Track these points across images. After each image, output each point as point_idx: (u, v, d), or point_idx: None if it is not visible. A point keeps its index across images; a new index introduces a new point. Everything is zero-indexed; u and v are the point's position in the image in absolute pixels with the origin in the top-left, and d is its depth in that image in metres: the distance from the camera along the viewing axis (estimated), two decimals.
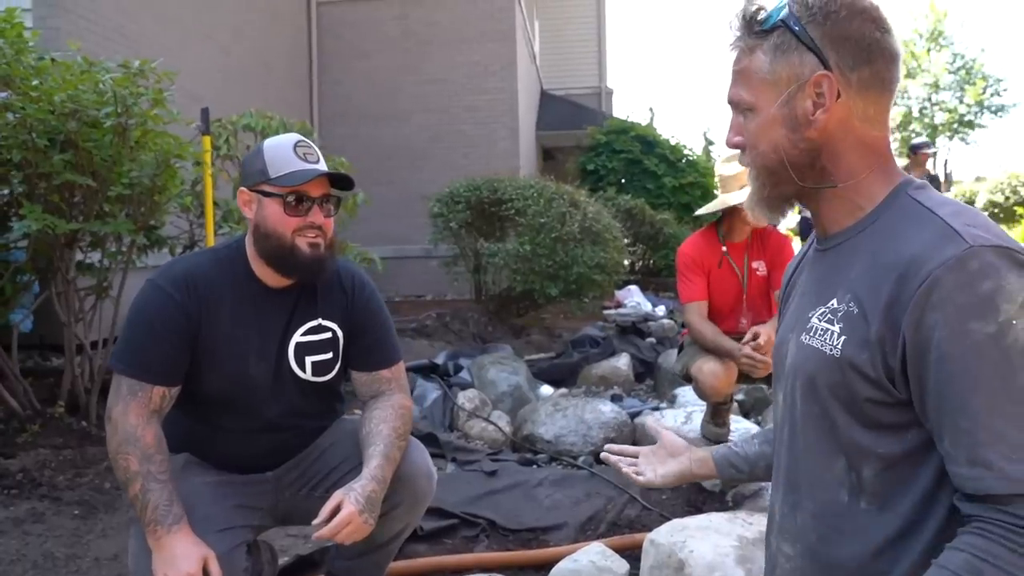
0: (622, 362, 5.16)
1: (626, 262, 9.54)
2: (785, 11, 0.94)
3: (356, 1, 9.20)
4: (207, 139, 3.04)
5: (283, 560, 2.13)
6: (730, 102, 1.01)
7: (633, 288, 7.79)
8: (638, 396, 4.75)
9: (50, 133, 2.65)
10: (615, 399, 4.32)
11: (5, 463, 2.67)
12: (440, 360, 4.79)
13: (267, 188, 1.54)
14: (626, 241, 8.81)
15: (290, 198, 1.52)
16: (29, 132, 2.55)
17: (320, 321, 1.66)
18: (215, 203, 3.36)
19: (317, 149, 1.61)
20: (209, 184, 3.07)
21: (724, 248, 2.92)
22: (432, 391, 3.97)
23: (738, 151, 1.03)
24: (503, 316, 6.13)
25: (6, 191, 2.79)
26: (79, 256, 3.54)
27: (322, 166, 1.58)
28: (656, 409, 4.00)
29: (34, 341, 4.35)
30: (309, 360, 1.64)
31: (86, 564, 2.15)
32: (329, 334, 1.67)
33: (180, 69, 6.38)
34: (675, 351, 5.25)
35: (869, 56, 0.93)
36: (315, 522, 1.43)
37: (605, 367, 5.04)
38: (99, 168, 2.81)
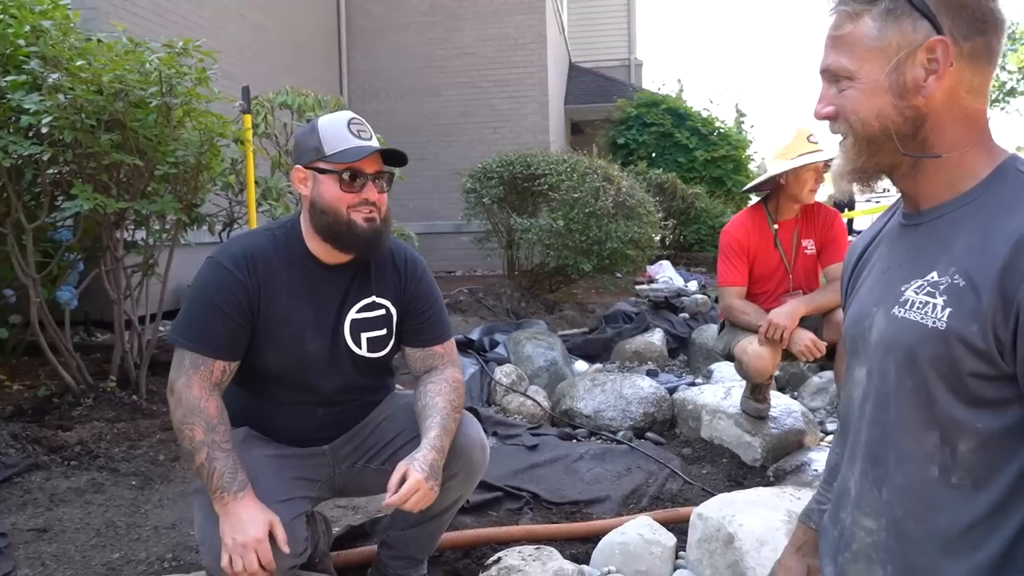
0: (656, 337, 5.15)
1: (657, 237, 9.47)
2: None
3: None
4: (248, 117, 3.07)
5: (335, 530, 2.18)
6: (825, 70, 0.98)
7: (665, 263, 7.75)
8: (672, 371, 4.75)
9: (98, 113, 2.69)
10: (651, 374, 4.31)
11: (64, 436, 2.77)
12: (475, 336, 4.81)
13: (322, 165, 1.56)
14: (658, 216, 8.74)
15: (345, 175, 1.55)
16: (79, 112, 2.59)
17: (375, 298, 1.68)
18: (255, 181, 3.40)
19: (369, 126, 1.63)
20: (251, 162, 3.10)
21: (775, 227, 2.86)
22: (469, 366, 3.99)
23: (821, 125, 1.01)
24: (536, 292, 6.13)
25: (54, 171, 2.84)
26: (124, 235, 3.61)
27: (375, 143, 1.60)
28: (693, 384, 3.99)
29: (79, 318, 4.47)
30: (364, 336, 1.67)
31: (146, 532, 2.23)
32: (383, 311, 1.70)
33: (215, 48, 6.41)
34: (709, 327, 5.25)
35: (983, 26, 0.90)
36: (387, 491, 1.46)
37: (639, 342, 5.03)
38: (145, 147, 2.85)
